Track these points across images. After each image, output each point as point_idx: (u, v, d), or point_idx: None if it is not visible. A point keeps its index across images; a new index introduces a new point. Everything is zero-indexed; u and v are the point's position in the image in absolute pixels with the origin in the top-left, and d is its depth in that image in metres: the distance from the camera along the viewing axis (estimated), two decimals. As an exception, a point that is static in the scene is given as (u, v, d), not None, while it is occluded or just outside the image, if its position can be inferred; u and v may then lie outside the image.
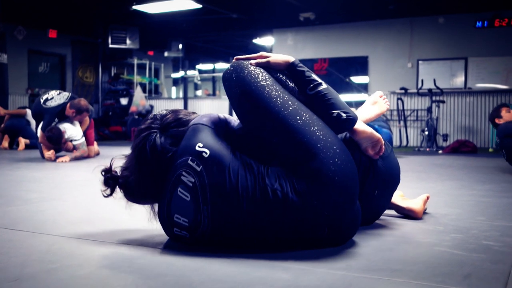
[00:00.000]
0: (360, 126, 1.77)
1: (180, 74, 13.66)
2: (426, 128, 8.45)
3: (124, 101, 11.66)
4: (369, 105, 2.09)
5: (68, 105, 5.37)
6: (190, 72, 13.51)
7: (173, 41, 12.38)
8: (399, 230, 1.93)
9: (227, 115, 1.73)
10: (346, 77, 10.46)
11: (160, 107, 11.80)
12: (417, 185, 3.38)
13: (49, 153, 5.22)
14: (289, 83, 1.68)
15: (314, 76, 1.68)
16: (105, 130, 11.01)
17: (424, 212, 2.28)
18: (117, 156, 1.76)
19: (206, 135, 1.58)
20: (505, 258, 1.50)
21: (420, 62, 9.74)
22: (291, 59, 1.70)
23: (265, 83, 1.60)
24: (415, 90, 9.24)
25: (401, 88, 9.46)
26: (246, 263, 1.44)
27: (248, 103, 1.58)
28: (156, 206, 1.72)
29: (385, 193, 1.90)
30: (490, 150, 8.21)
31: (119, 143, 9.50)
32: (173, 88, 15.18)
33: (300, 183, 1.50)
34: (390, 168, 1.87)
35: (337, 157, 1.53)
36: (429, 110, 8.51)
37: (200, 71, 15.58)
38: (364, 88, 10.30)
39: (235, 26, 11.03)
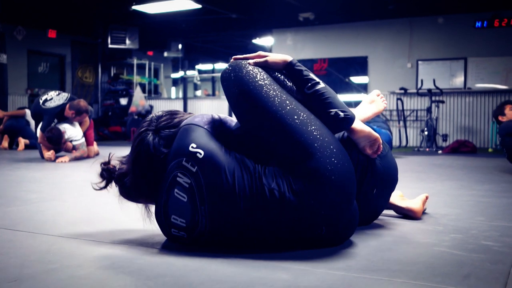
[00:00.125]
0: (358, 125, 1.77)
1: (179, 74, 13.65)
2: (425, 128, 8.45)
3: (123, 101, 11.66)
4: (367, 104, 2.10)
5: (68, 106, 5.37)
6: (189, 72, 13.50)
7: (172, 41, 12.38)
8: (398, 230, 1.93)
9: (223, 115, 1.73)
10: (346, 77, 10.47)
11: (160, 107, 11.79)
12: (416, 185, 3.38)
13: (49, 153, 5.22)
14: (287, 82, 1.68)
15: (312, 75, 1.69)
16: (105, 130, 11.01)
17: (424, 212, 2.28)
18: (116, 153, 1.78)
19: (199, 136, 1.58)
20: (505, 258, 1.50)
21: (419, 62, 9.75)
22: (289, 58, 1.70)
23: (263, 83, 1.60)
24: (415, 90, 9.24)
25: (401, 88, 9.47)
26: (246, 263, 1.44)
27: (246, 102, 1.58)
28: (149, 206, 1.73)
29: (384, 192, 1.90)
30: (490, 150, 8.21)
31: (118, 143, 9.50)
32: (173, 88, 15.18)
33: (297, 182, 1.50)
34: (388, 167, 1.87)
35: (334, 156, 1.53)
36: (429, 110, 8.51)
37: (200, 71, 15.57)
38: (363, 88, 10.30)
39: (234, 26, 11.03)
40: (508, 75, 9.10)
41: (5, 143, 7.16)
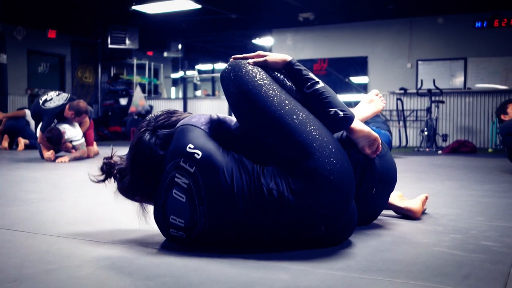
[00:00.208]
0: (357, 124, 1.77)
1: (179, 74, 13.65)
2: (425, 128, 8.45)
3: (123, 101, 11.66)
4: (365, 103, 2.10)
5: (67, 106, 5.37)
6: (189, 72, 13.50)
7: (172, 41, 12.38)
8: (398, 231, 1.93)
9: (222, 115, 1.73)
10: (346, 78, 10.47)
11: (160, 107, 11.79)
12: (416, 185, 3.38)
13: (49, 154, 5.22)
14: (287, 82, 1.68)
15: (311, 75, 1.69)
16: (105, 130, 11.01)
17: (423, 213, 2.28)
18: (116, 153, 1.79)
19: (196, 136, 1.58)
20: (505, 259, 1.50)
21: (419, 62, 9.75)
22: (288, 58, 1.70)
23: (262, 82, 1.60)
24: (415, 91, 9.24)
25: (401, 89, 9.47)
26: (245, 263, 1.44)
27: (245, 102, 1.58)
28: (145, 205, 1.74)
29: (383, 192, 1.90)
30: (490, 150, 8.21)
31: (118, 143, 9.50)
32: (173, 89, 15.18)
33: (295, 182, 1.50)
34: (387, 167, 1.88)
35: (333, 156, 1.53)
36: (429, 110, 8.51)
37: (200, 71, 15.57)
38: (363, 88, 10.30)
39: (234, 26, 11.03)
40: (508, 75, 9.10)
41: (5, 143, 7.16)
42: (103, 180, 1.75)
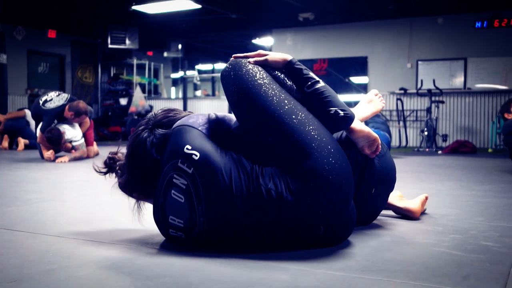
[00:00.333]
0: (357, 124, 1.77)
1: (179, 74, 13.65)
2: (425, 129, 8.45)
3: (123, 101, 11.66)
4: (365, 103, 2.09)
5: (67, 107, 5.37)
6: (189, 72, 13.50)
7: (172, 41, 12.38)
8: (398, 231, 1.93)
9: (221, 114, 1.72)
10: (346, 78, 10.47)
11: (160, 107, 11.68)
12: (416, 186, 3.38)
13: (49, 154, 5.22)
14: (287, 81, 1.68)
15: (312, 74, 1.69)
16: (105, 130, 11.01)
17: (423, 213, 2.28)
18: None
19: (194, 137, 1.57)
20: (504, 259, 1.50)
21: (419, 62, 9.75)
22: (288, 57, 1.70)
23: (262, 82, 1.59)
24: (415, 91, 9.24)
25: (401, 89, 9.47)
26: (245, 263, 1.44)
27: (244, 101, 1.58)
28: (141, 202, 1.76)
29: (382, 192, 1.90)
30: (490, 150, 8.21)
31: (118, 143, 9.50)
32: (173, 89, 15.18)
33: (294, 182, 1.50)
34: (387, 167, 1.88)
35: (332, 156, 1.53)
36: (429, 110, 8.51)
37: (200, 72, 15.57)
38: (363, 88, 10.30)
39: (234, 26, 11.03)
40: (508, 75, 9.10)
41: (5, 143, 7.17)
42: (105, 173, 1.78)
